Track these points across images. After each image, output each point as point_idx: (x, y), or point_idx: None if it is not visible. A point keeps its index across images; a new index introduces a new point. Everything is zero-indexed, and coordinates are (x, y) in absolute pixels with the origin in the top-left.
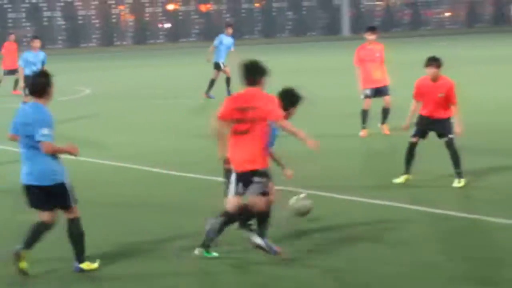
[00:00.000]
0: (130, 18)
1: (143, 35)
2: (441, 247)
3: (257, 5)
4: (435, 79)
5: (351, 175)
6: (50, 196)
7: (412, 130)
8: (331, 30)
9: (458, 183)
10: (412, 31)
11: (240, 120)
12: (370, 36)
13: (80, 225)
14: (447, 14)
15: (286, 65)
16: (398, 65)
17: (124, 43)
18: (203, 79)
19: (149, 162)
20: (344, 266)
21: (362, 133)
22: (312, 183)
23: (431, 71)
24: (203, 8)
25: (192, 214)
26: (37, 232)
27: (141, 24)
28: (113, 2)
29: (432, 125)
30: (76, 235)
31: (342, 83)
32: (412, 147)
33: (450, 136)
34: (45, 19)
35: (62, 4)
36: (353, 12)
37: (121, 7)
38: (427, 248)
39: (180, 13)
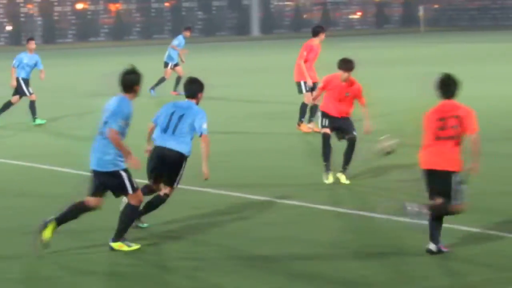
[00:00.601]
0: (38, 18)
1: (52, 34)
2: (352, 246)
3: (167, 4)
4: (345, 80)
5: (261, 175)
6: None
7: (323, 122)
8: (241, 30)
9: (346, 179)
10: None
11: (442, 127)
12: (324, 36)
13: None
14: (358, 14)
15: (196, 65)
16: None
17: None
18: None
19: (57, 161)
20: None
21: (311, 125)
22: (225, 182)
23: (344, 75)
24: (113, 7)
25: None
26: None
27: (49, 23)
28: (22, 0)
29: (336, 123)
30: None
31: (252, 83)
32: (327, 139)
33: (355, 133)
34: None
35: None
36: (263, 12)
37: (30, 6)
38: (336, 249)
39: (89, 12)
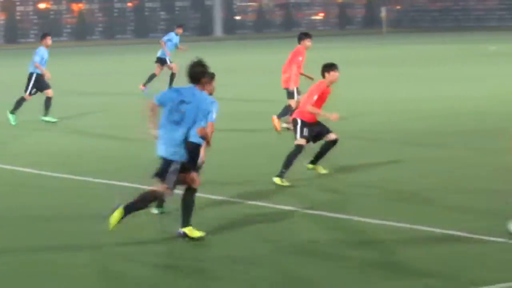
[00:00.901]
0: (0, 17)
1: (14, 33)
2: (329, 244)
3: (129, 4)
4: (329, 85)
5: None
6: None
7: (303, 132)
8: (204, 30)
9: (324, 169)
10: (285, 32)
11: None
12: (308, 43)
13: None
14: (320, 15)
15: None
16: (274, 66)
17: None
18: (77, 78)
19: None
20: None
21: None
22: None
23: (336, 74)
24: (75, 7)
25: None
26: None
27: (11, 23)
28: None
29: (314, 129)
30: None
31: (218, 83)
32: (300, 152)
33: (336, 135)
34: None
35: None
36: (226, 12)
37: None
38: (315, 245)
39: (51, 12)
